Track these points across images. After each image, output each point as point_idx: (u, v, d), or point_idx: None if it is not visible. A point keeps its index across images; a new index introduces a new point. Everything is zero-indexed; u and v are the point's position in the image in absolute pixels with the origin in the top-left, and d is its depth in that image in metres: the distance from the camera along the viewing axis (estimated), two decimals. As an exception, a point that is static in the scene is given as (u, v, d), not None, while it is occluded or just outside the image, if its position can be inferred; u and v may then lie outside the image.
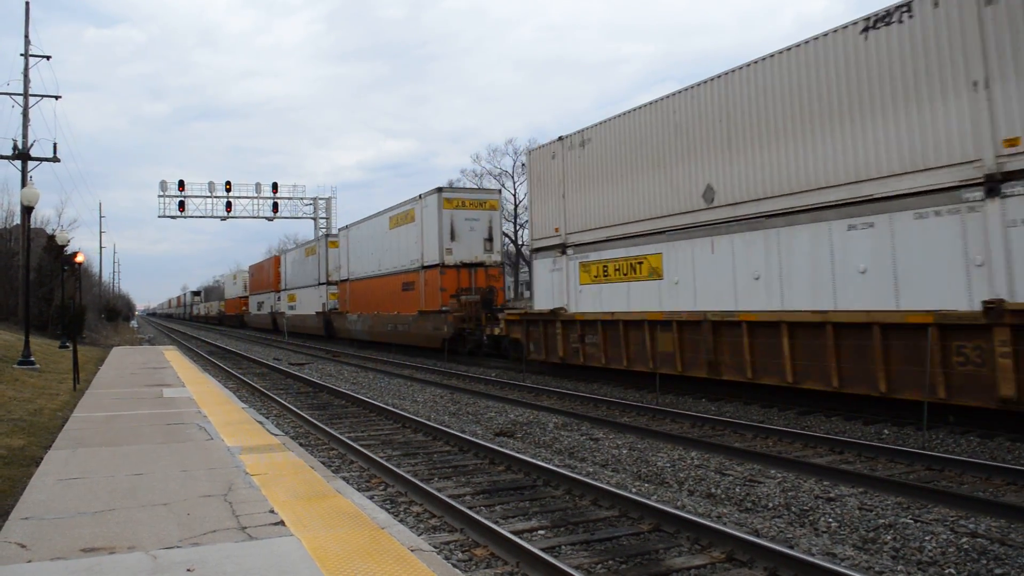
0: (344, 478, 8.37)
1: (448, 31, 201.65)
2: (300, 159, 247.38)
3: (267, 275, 55.00)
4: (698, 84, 14.17)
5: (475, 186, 60.39)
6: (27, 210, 21.10)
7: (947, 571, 5.57)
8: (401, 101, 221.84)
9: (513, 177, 65.20)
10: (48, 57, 32.06)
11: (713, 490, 7.96)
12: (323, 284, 39.80)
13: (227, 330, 69.60)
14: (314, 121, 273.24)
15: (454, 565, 5.57)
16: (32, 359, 19.19)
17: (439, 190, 25.69)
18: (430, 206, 25.88)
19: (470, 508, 7.00)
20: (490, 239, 26.12)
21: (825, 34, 11.66)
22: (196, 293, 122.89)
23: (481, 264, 25.76)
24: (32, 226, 28.53)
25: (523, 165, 60.27)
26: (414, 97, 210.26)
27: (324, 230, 55.79)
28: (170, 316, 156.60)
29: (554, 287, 18.51)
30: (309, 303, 42.53)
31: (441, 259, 25.23)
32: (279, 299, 50.60)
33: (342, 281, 36.43)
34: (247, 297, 65.59)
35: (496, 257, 26.21)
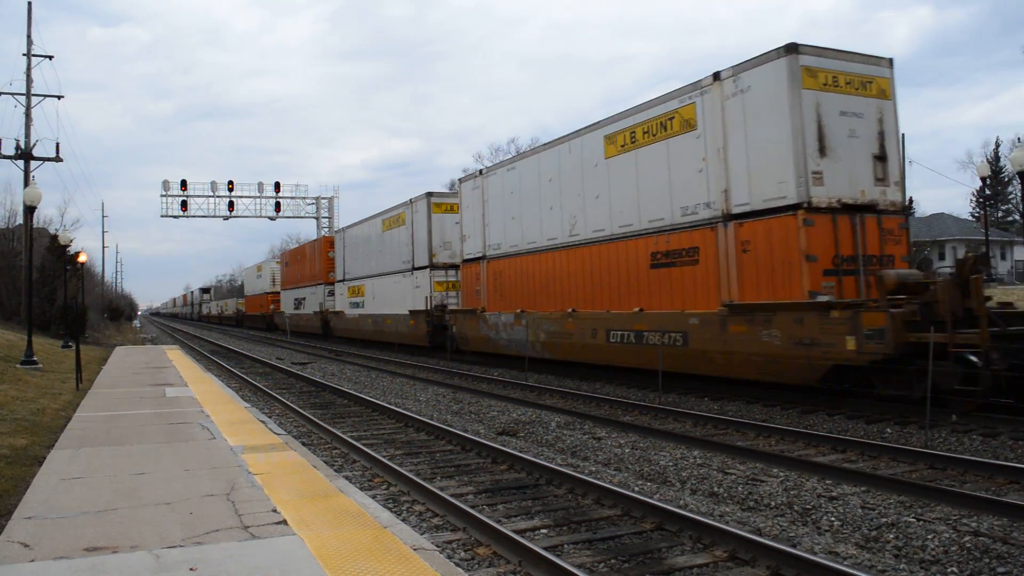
0: (347, 477, 8.38)
1: (454, 29, 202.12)
2: (304, 158, 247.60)
3: (310, 263, 42.94)
4: None
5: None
6: (30, 210, 21.14)
7: (949, 570, 5.57)
8: (406, 100, 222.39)
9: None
10: (51, 57, 32.09)
11: (716, 489, 7.96)
12: (422, 269, 26.77)
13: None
14: (319, 120, 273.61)
15: (457, 564, 5.57)
16: (35, 359, 19.23)
17: (792, 48, 12.18)
18: (764, 83, 12.64)
19: (472, 507, 7.01)
20: (882, 156, 12.82)
21: None
22: (205, 290, 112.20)
23: (871, 207, 12.60)
24: (35, 226, 28.58)
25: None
26: (419, 96, 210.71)
27: (327, 229, 55.68)
28: (175, 316, 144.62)
29: None
30: (392, 298, 29.30)
31: (805, 194, 11.94)
32: (331, 294, 39.12)
33: (470, 261, 22.81)
34: (278, 293, 52.80)
35: (894, 193, 12.96)
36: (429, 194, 27.05)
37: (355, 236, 35.07)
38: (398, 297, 28.89)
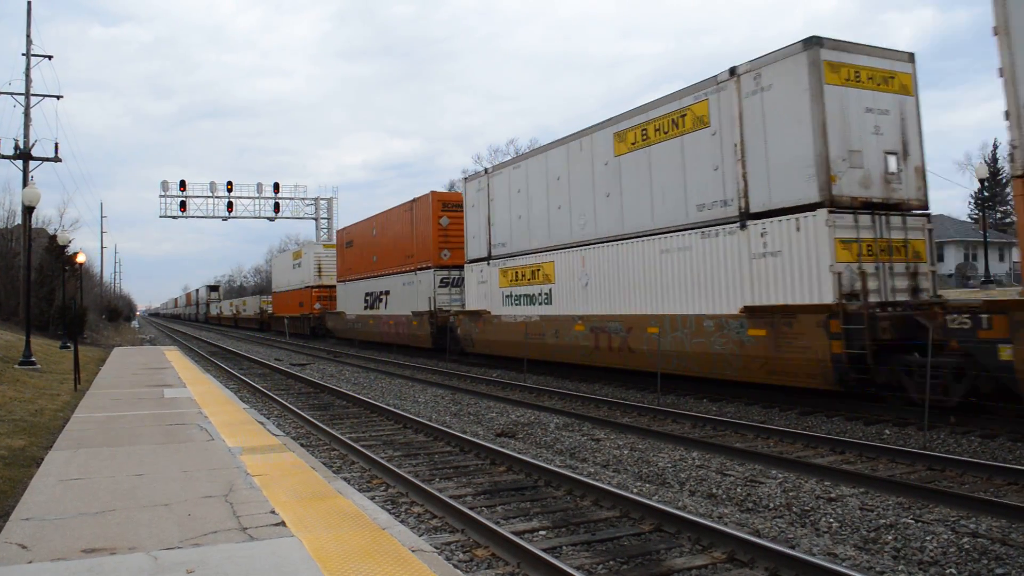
0: (345, 479, 8.37)
1: (457, 29, 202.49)
2: (305, 159, 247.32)
3: (403, 238, 28.33)
4: None
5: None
6: (28, 210, 21.12)
7: (948, 571, 5.57)
8: (408, 100, 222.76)
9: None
10: (50, 57, 32.07)
11: (714, 490, 7.96)
12: (792, 213, 12.21)
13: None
14: (320, 120, 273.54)
15: (455, 566, 5.57)
16: (33, 359, 19.21)
17: None
18: None
19: (471, 509, 7.01)
20: None
21: None
22: (213, 288, 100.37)
23: None
24: (33, 226, 28.56)
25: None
26: (421, 96, 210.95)
27: (326, 230, 55.66)
28: (177, 317, 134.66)
29: None
30: (656, 282, 14.98)
31: None
32: (446, 283, 25.65)
33: None
34: (328, 287, 40.71)
35: None
36: (815, 42, 12.08)
37: (520, 178, 19.93)
38: (672, 279, 14.47)
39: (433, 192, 26.61)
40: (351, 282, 34.88)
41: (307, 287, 43.20)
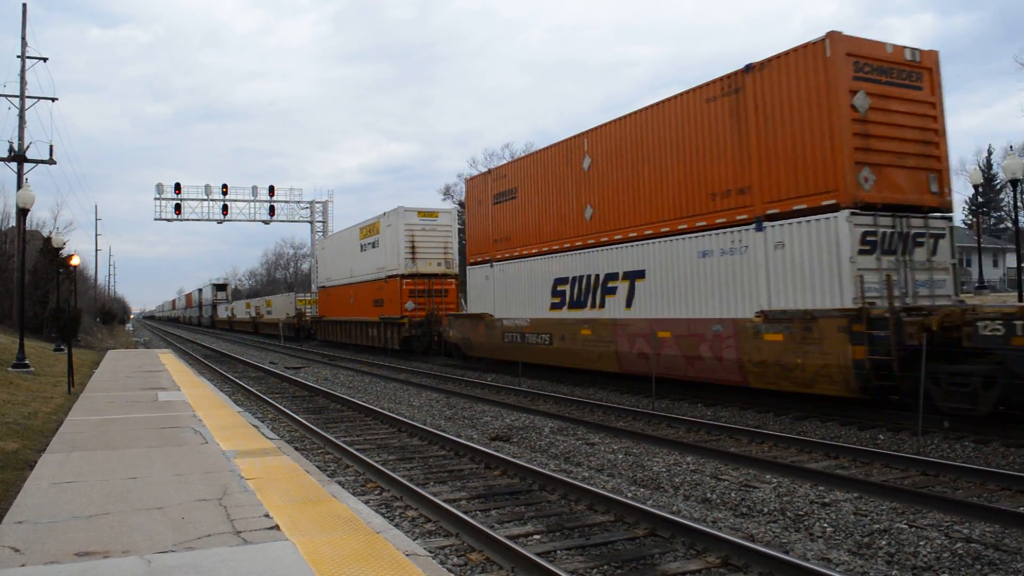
0: (339, 482, 8.36)
1: (456, 32, 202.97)
2: (302, 161, 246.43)
3: (678, 157, 14.24)
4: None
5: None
6: (22, 212, 21.08)
7: (941, 576, 5.58)
8: (405, 103, 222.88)
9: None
10: (45, 59, 32.00)
11: (708, 495, 7.97)
12: None
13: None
14: (317, 123, 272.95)
15: (449, 570, 5.56)
16: (27, 362, 19.13)
17: None
18: None
19: (465, 513, 7.00)
20: None
21: None
22: (220, 287, 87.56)
23: None
24: (28, 228, 28.49)
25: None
26: (419, 99, 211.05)
27: (321, 233, 55.67)
28: (175, 320, 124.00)
29: None
30: None
31: None
32: (877, 245, 11.32)
33: None
34: (433, 277, 28.47)
35: None
36: None
37: None
38: None
39: (832, 33, 11.82)
40: (511, 262, 20.75)
41: (392, 276, 28.75)
